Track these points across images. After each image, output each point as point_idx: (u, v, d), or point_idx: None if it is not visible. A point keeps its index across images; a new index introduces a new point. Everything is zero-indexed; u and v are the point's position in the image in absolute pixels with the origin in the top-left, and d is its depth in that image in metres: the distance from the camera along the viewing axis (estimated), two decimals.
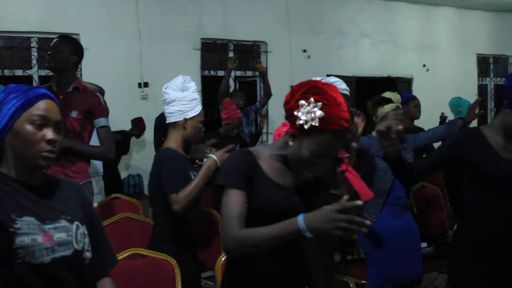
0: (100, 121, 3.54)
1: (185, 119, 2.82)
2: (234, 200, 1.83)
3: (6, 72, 6.79)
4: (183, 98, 2.81)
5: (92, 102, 3.54)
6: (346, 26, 9.44)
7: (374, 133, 3.78)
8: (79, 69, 7.01)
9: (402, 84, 9.95)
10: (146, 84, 7.42)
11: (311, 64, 8.85)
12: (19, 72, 6.87)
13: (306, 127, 1.76)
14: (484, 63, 11.30)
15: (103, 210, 4.04)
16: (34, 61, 6.96)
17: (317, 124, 1.74)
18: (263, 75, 6.69)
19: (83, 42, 7.05)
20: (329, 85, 1.83)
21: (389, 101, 3.66)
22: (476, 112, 4.41)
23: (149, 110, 7.12)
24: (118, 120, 6.90)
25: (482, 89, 11.13)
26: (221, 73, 8.11)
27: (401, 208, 3.70)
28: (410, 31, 10.18)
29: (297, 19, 8.75)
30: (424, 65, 10.28)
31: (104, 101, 3.66)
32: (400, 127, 2.65)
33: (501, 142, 2.59)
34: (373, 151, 3.63)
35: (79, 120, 3.49)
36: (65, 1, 6.99)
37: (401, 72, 9.97)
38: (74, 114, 3.47)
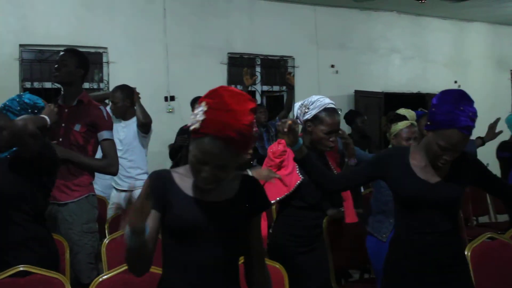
0: (103, 134, 3.53)
1: None
2: None
3: (36, 85, 6.93)
4: None
5: (95, 115, 3.54)
6: (375, 41, 9.38)
7: None
8: (106, 83, 7.19)
9: None
10: (172, 98, 7.49)
11: (339, 79, 8.82)
12: (48, 85, 6.99)
13: (190, 129, 1.72)
14: None
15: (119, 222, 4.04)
16: None
17: (198, 127, 1.69)
18: (291, 88, 6.68)
19: (110, 56, 7.25)
20: (233, 92, 1.77)
21: (403, 118, 3.64)
22: (496, 131, 4.34)
23: (174, 123, 7.15)
24: None
25: None
26: None
27: None
28: (442, 46, 10.05)
29: (325, 34, 8.74)
30: (455, 82, 10.09)
31: (108, 114, 3.65)
32: (290, 121, 2.54)
33: (422, 163, 2.50)
34: None
35: (82, 134, 3.49)
36: (94, 16, 7.14)
37: (431, 88, 9.79)
38: (77, 127, 3.48)
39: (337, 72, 8.85)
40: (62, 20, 6.97)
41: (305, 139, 3.07)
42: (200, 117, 1.68)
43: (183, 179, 1.88)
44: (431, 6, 8.88)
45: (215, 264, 1.83)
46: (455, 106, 2.30)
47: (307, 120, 3.06)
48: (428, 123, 2.40)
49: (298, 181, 2.98)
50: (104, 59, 7.29)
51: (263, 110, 6.58)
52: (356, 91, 8.80)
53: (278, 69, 8.59)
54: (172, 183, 1.87)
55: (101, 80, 7.34)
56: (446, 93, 2.39)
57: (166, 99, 7.52)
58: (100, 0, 7.22)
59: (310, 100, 3.04)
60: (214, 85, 6.18)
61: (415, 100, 9.87)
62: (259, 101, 8.32)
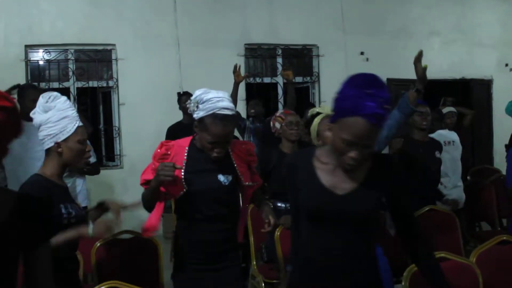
0: None
1: (57, 143, 2.57)
2: None
3: (43, 85, 7.11)
4: (48, 120, 2.56)
5: None
6: (411, 24, 9.14)
7: None
8: (115, 80, 7.47)
9: (480, 87, 9.55)
10: (186, 94, 7.67)
11: (370, 67, 8.66)
12: (55, 85, 7.21)
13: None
14: None
15: None
16: (70, 73, 7.38)
17: None
18: (290, 84, 6.29)
19: (119, 53, 7.49)
20: None
21: (317, 114, 3.31)
22: (424, 66, 3.56)
23: None
24: (157, 130, 7.21)
25: None
26: (267, 79, 8.17)
27: None
28: (488, 27, 9.66)
29: (353, 19, 8.60)
30: (506, 65, 9.82)
31: None
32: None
33: (330, 166, 2.19)
34: None
35: None
36: (101, 12, 7.32)
37: (478, 73, 9.51)
38: None
39: (367, 59, 8.70)
40: (68, 18, 7.18)
41: (197, 139, 2.88)
42: None
43: None
44: None
45: None
46: (361, 90, 2.00)
47: (195, 120, 2.79)
48: (332, 113, 2.10)
49: (181, 192, 2.79)
50: (113, 56, 7.44)
51: (255, 103, 6.56)
52: (389, 79, 8.66)
53: (301, 59, 8.52)
54: None
55: (110, 77, 7.52)
56: (355, 77, 2.12)
57: (179, 95, 7.70)
58: None
59: (202, 97, 2.72)
60: (230, 79, 6.22)
61: (459, 86, 9.74)
62: (280, 94, 8.43)
